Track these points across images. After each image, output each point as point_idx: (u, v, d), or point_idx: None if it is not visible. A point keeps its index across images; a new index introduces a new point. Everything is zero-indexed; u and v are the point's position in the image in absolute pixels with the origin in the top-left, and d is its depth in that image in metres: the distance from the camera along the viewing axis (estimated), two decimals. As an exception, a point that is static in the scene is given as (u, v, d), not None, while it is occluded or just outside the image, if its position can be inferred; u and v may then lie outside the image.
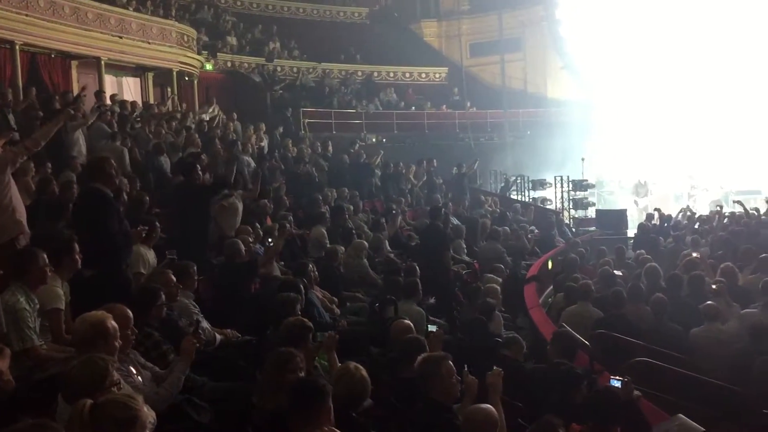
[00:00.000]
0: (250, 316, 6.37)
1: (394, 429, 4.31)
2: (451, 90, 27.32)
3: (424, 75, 28.07)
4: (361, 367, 4.09)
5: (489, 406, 3.93)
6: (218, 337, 5.65)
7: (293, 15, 28.64)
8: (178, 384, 4.11)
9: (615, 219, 18.08)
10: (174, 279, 5.52)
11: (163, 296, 4.93)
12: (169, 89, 19.44)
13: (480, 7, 29.48)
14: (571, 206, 20.12)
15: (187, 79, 20.47)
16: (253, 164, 12.67)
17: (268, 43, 24.84)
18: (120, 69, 18.57)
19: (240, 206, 8.91)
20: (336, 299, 7.84)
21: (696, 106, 24.19)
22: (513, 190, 21.27)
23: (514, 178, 21.52)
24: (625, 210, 19.18)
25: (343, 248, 9.44)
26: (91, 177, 5.64)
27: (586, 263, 12.22)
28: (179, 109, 17.04)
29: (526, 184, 21.22)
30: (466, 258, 11.89)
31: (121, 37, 17.55)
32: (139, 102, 16.61)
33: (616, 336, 6.72)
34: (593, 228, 18.53)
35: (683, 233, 13.34)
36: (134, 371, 4.01)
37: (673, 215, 16.12)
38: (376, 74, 26.62)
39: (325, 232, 10.00)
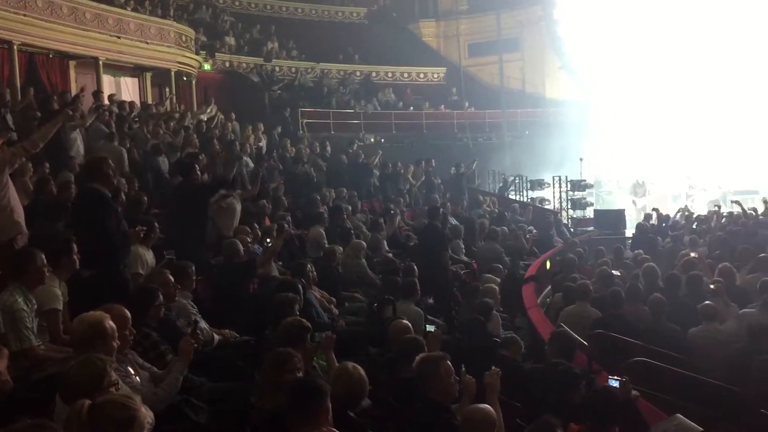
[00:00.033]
0: (249, 317, 6.37)
1: (393, 429, 4.31)
2: (449, 90, 27.35)
3: (422, 75, 28.10)
4: (359, 366, 4.09)
5: (487, 406, 3.94)
6: (216, 337, 5.64)
7: (291, 15, 28.65)
8: (176, 384, 4.11)
9: (613, 219, 18.11)
10: (172, 279, 5.51)
11: (161, 296, 4.93)
12: (167, 89, 19.43)
13: (478, 7, 29.52)
14: (569, 206, 20.14)
15: (185, 79, 20.47)
16: (251, 164, 12.66)
17: (267, 43, 24.85)
18: (118, 69, 18.56)
19: (238, 207, 8.89)
20: (334, 299, 7.84)
21: (694, 106, 24.22)
22: (511, 190, 21.28)
23: (513, 178, 21.54)
24: (624, 210, 19.21)
25: (341, 248, 9.44)
26: (88, 177, 5.64)
27: (585, 263, 12.22)
28: (177, 109, 17.03)
29: (525, 184, 21.24)
30: (465, 258, 11.89)
31: (119, 37, 17.55)
32: (138, 102, 16.60)
33: (614, 336, 6.72)
34: (591, 228, 18.56)
35: (681, 233, 13.35)
36: (132, 371, 4.00)
37: (671, 215, 16.13)
38: (374, 74, 26.63)
39: (324, 233, 9.99)
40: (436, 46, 30.48)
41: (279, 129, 18.20)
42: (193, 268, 6.07)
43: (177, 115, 15.35)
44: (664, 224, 14.97)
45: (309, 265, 7.59)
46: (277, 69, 23.89)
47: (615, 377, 4.67)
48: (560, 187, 20.17)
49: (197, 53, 21.28)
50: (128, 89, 18.81)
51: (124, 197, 8.23)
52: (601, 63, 26.41)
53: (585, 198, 20.52)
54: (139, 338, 4.46)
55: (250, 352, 5.33)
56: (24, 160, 6.23)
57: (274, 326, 5.01)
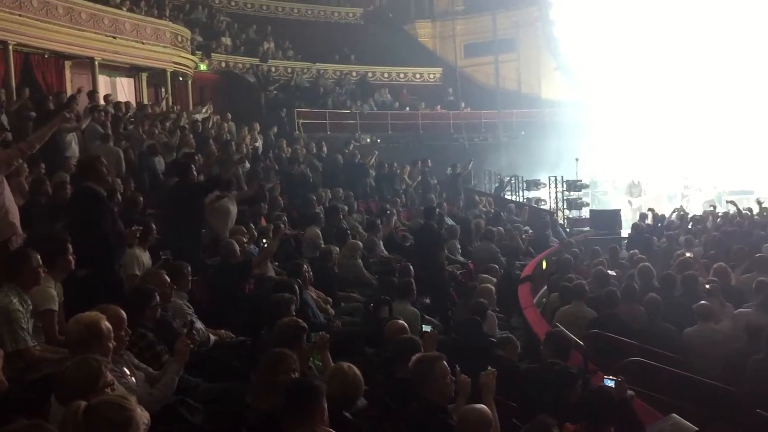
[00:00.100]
0: (245, 317, 6.36)
1: (389, 429, 4.31)
2: (445, 90, 27.36)
3: (418, 75, 28.11)
4: (354, 366, 4.10)
5: (483, 406, 3.94)
6: (212, 337, 5.63)
7: (287, 15, 28.62)
8: (172, 385, 4.11)
9: (609, 219, 18.15)
10: (168, 279, 5.50)
11: (158, 297, 4.92)
12: (163, 89, 19.41)
13: (474, 8, 29.53)
14: (565, 206, 20.16)
15: (181, 79, 20.45)
16: (247, 165, 12.66)
17: (263, 43, 24.84)
18: (114, 69, 18.54)
19: (233, 208, 8.86)
20: (330, 299, 7.83)
21: (689, 106, 24.28)
22: (507, 191, 21.27)
23: (509, 178, 21.54)
24: (619, 210, 19.26)
25: (337, 249, 9.43)
26: (83, 176, 5.64)
27: (580, 263, 12.24)
28: (173, 109, 17.00)
29: (521, 185, 21.24)
30: (461, 258, 11.89)
31: (114, 38, 17.53)
32: (133, 102, 16.58)
33: (609, 336, 6.73)
34: (587, 228, 18.58)
35: (677, 233, 13.38)
36: (128, 372, 4.00)
37: (667, 215, 16.16)
38: (370, 75, 26.64)
39: (320, 233, 9.99)
40: (432, 46, 30.48)
41: (275, 129, 18.20)
42: (189, 268, 6.06)
43: (172, 116, 15.33)
44: (659, 224, 14.99)
45: (305, 266, 7.58)
46: (273, 69, 23.87)
47: (610, 377, 4.67)
48: (556, 187, 20.18)
49: (193, 53, 21.26)
50: (124, 89, 18.79)
51: (120, 198, 8.22)
52: (596, 64, 26.46)
53: (581, 198, 20.55)
54: (135, 339, 4.46)
55: (246, 352, 5.32)
56: (20, 161, 6.21)
57: (270, 326, 5.01)
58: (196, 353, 4.63)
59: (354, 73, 26.26)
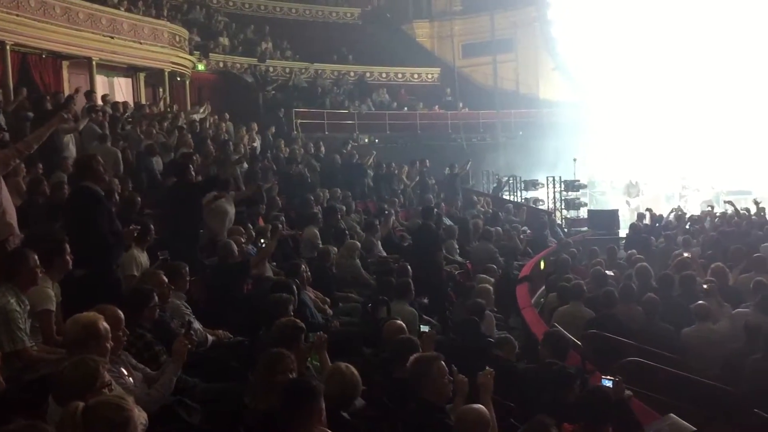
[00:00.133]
0: (243, 317, 6.36)
1: (387, 429, 4.31)
2: (443, 90, 27.37)
3: (416, 75, 28.11)
4: (351, 366, 4.10)
5: (481, 406, 3.94)
6: (210, 337, 5.63)
7: (285, 15, 28.61)
8: (169, 385, 4.10)
9: (607, 219, 18.17)
10: (166, 280, 5.50)
11: (156, 298, 4.92)
12: (160, 90, 19.39)
13: (472, 8, 29.55)
14: (563, 206, 20.18)
15: (179, 79, 20.44)
16: (245, 165, 12.65)
17: (261, 43, 24.82)
18: (111, 69, 18.53)
19: (230, 209, 8.85)
20: (329, 300, 7.83)
21: (687, 106, 24.31)
22: (505, 191, 21.28)
23: (507, 178, 21.55)
24: (617, 210, 19.28)
25: (335, 249, 9.43)
26: (80, 176, 5.63)
27: (578, 263, 12.24)
28: (171, 109, 16.99)
29: (519, 185, 21.25)
30: (459, 258, 11.90)
31: (112, 38, 17.51)
32: (131, 102, 16.56)
33: (607, 336, 6.73)
34: (585, 228, 18.60)
35: (674, 233, 13.38)
36: (126, 372, 3.99)
37: (665, 215, 16.18)
38: (368, 75, 26.64)
39: (318, 233, 9.99)
40: (430, 46, 30.50)
41: (273, 129, 18.17)
42: (187, 268, 6.05)
43: (170, 116, 15.32)
44: (657, 224, 15.01)
45: (303, 266, 7.58)
46: (271, 69, 23.87)
47: (608, 377, 4.68)
48: (554, 187, 20.20)
49: (191, 53, 21.25)
50: (121, 89, 18.78)
51: (117, 198, 8.20)
52: (595, 64, 26.49)
53: (579, 198, 20.56)
54: (132, 339, 4.45)
55: (243, 352, 5.32)
56: (18, 161, 6.20)
57: (268, 327, 5.00)
58: (194, 353, 4.62)
59: (352, 73, 26.26)
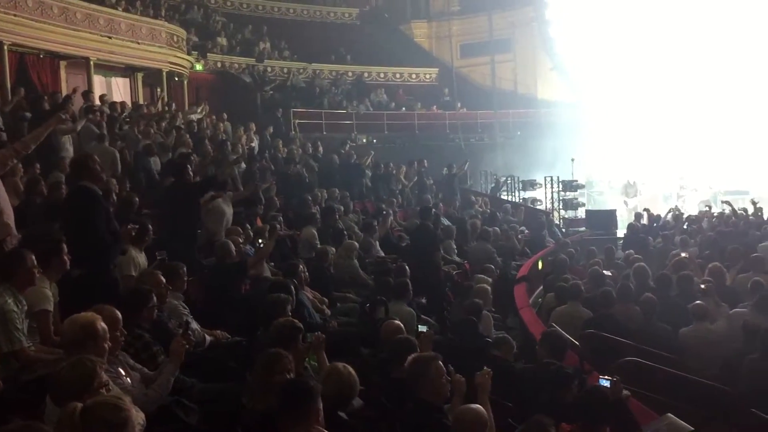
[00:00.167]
0: (240, 317, 6.35)
1: (385, 429, 4.31)
2: (441, 91, 27.38)
3: (414, 76, 28.12)
4: (349, 366, 4.10)
5: (478, 406, 3.94)
6: (208, 338, 5.63)
7: (283, 15, 28.61)
8: (167, 385, 4.10)
9: (605, 219, 18.18)
10: (163, 280, 5.50)
11: (155, 298, 4.91)
12: (158, 89, 19.38)
13: (470, 8, 29.56)
14: (561, 207, 20.20)
15: (177, 79, 20.44)
16: (243, 165, 12.65)
17: (259, 43, 24.82)
18: (109, 69, 18.51)
19: (227, 209, 8.85)
20: (326, 300, 7.83)
21: (685, 106, 24.33)
22: (503, 191, 21.32)
23: (505, 178, 21.58)
24: (615, 210, 19.30)
25: (333, 249, 9.43)
26: (77, 176, 5.63)
27: (576, 263, 12.27)
28: (169, 109, 16.96)
29: (517, 185, 21.28)
30: (457, 258, 11.91)
31: (110, 38, 17.50)
32: (129, 103, 16.54)
33: (605, 336, 6.73)
34: (583, 228, 18.62)
35: (672, 233, 13.40)
36: (123, 373, 3.99)
37: (662, 215, 16.20)
38: (366, 75, 26.64)
39: (316, 233, 9.99)
40: (428, 46, 30.50)
41: (271, 129, 18.17)
42: (185, 268, 6.05)
43: (168, 116, 15.30)
44: (655, 224, 15.03)
45: (301, 266, 7.58)
46: (269, 69, 23.87)
47: (606, 377, 4.67)
48: (552, 187, 20.22)
49: (189, 53, 21.25)
50: (119, 90, 18.76)
51: (115, 198, 8.20)
52: (592, 64, 26.48)
53: (576, 198, 20.58)
54: (131, 339, 4.45)
55: (241, 353, 5.31)
56: (15, 161, 6.19)
57: (266, 327, 5.00)
58: (192, 354, 4.62)
59: (350, 74, 26.26)
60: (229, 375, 4.91)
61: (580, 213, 20.25)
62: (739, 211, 14.72)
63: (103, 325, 3.64)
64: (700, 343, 6.79)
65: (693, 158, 23.47)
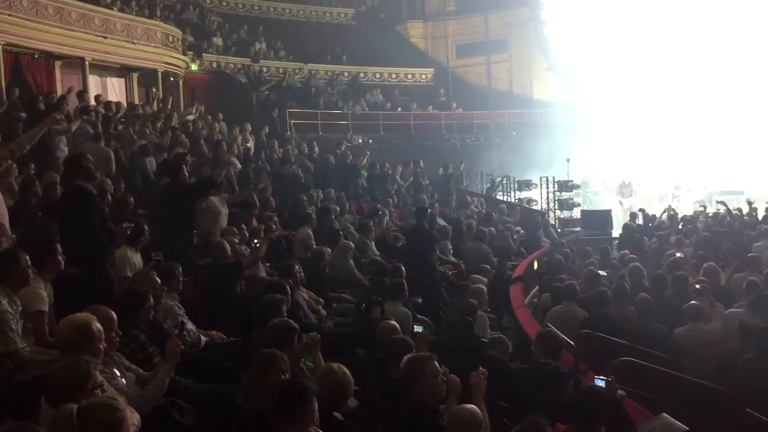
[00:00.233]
0: (236, 318, 6.34)
1: (380, 429, 4.31)
2: (437, 91, 27.41)
3: (410, 76, 28.14)
4: (344, 367, 4.10)
5: (474, 406, 3.95)
6: (203, 338, 5.62)
7: (279, 15, 28.59)
8: (162, 386, 4.09)
9: (600, 219, 18.22)
10: (159, 280, 5.48)
11: (152, 299, 4.90)
12: (154, 90, 19.35)
13: (466, 8, 29.59)
14: (556, 207, 20.23)
15: (172, 79, 20.40)
16: (239, 165, 12.63)
17: (254, 43, 24.81)
18: (104, 69, 18.48)
19: (222, 209, 8.83)
20: (322, 300, 7.83)
21: (680, 107, 24.39)
22: (499, 191, 21.33)
23: (500, 178, 21.59)
24: (610, 210, 19.35)
25: (329, 249, 9.42)
26: (71, 175, 5.62)
27: (572, 263, 12.27)
28: (165, 105, 16.95)
29: (512, 185, 21.30)
30: (452, 258, 11.90)
31: (105, 38, 17.47)
32: (124, 103, 16.52)
33: (600, 336, 6.74)
34: (578, 228, 18.66)
35: (667, 233, 13.43)
36: (118, 373, 3.98)
37: (657, 215, 16.23)
38: (362, 75, 26.65)
39: (311, 233, 9.97)
40: (423, 47, 30.51)
41: (266, 129, 18.13)
42: (180, 269, 6.04)
43: (163, 116, 15.29)
44: (650, 224, 15.06)
45: (297, 266, 7.57)
46: (264, 69, 23.86)
47: (601, 377, 4.68)
48: (547, 187, 20.25)
49: (184, 54, 21.22)
50: (115, 90, 18.73)
51: (110, 198, 8.18)
52: (588, 64, 26.54)
53: (572, 198, 20.63)
54: (126, 340, 4.44)
55: (237, 353, 5.30)
56: (10, 161, 6.18)
57: (261, 327, 5.00)
58: (187, 354, 4.61)
59: (346, 74, 26.27)
60: (224, 375, 4.90)
61: (576, 213, 20.29)
62: (734, 211, 14.76)
63: (99, 325, 3.63)
64: (695, 343, 6.80)
65: (688, 158, 23.53)
